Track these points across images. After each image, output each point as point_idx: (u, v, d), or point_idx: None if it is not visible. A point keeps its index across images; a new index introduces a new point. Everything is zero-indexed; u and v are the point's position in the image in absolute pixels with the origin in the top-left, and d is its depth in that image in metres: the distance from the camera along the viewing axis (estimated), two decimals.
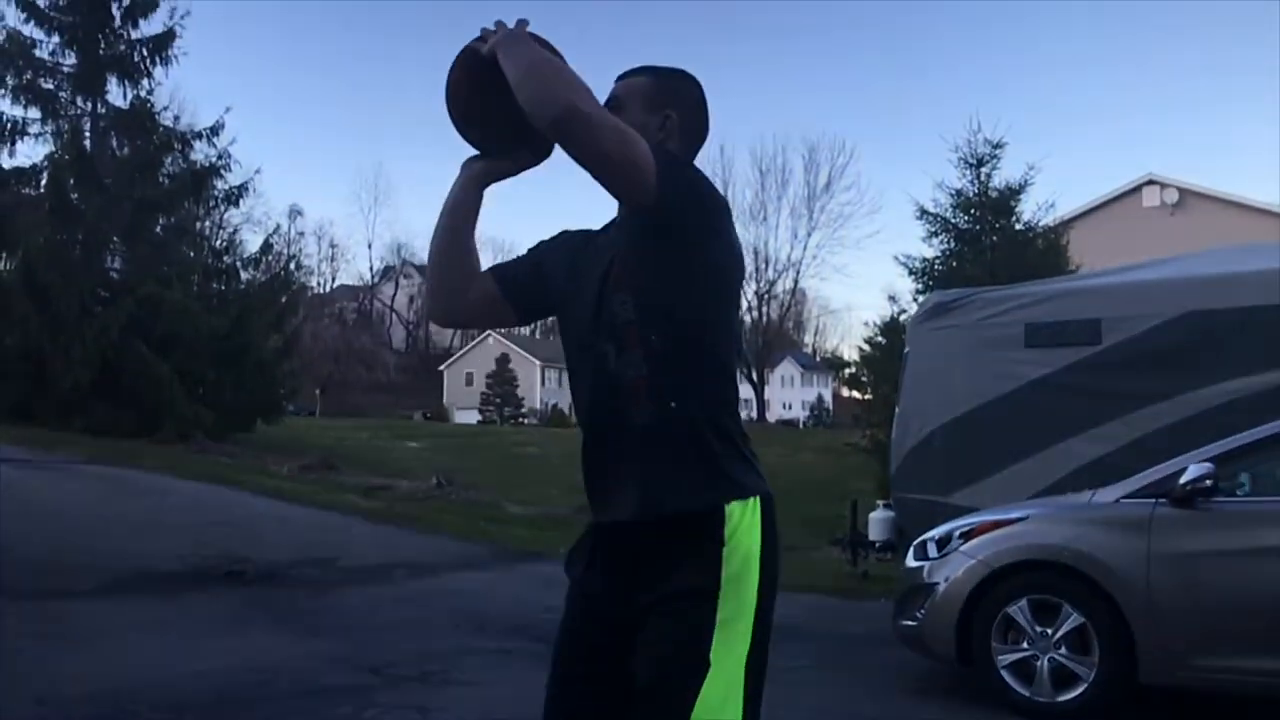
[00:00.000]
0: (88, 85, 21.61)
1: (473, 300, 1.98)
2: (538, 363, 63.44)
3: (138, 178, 21.50)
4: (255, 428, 22.09)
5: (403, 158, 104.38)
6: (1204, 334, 6.99)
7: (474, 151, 1.96)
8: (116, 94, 21.96)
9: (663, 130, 1.87)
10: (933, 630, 5.09)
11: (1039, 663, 4.74)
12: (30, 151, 21.80)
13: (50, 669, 4.88)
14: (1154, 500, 4.69)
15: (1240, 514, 4.75)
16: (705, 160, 1.87)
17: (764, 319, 52.89)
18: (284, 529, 10.33)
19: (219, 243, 26.07)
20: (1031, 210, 15.18)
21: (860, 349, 20.43)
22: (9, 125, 21.24)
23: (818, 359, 70.93)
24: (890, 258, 39.80)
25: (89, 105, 21.94)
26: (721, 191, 1.88)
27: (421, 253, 70.50)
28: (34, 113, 21.53)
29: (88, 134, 21.93)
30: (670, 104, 1.90)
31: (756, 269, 49.80)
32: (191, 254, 23.39)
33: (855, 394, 27.83)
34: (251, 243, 41.19)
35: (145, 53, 21.91)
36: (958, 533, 5.21)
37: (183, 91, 49.60)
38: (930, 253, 15.11)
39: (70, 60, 21.69)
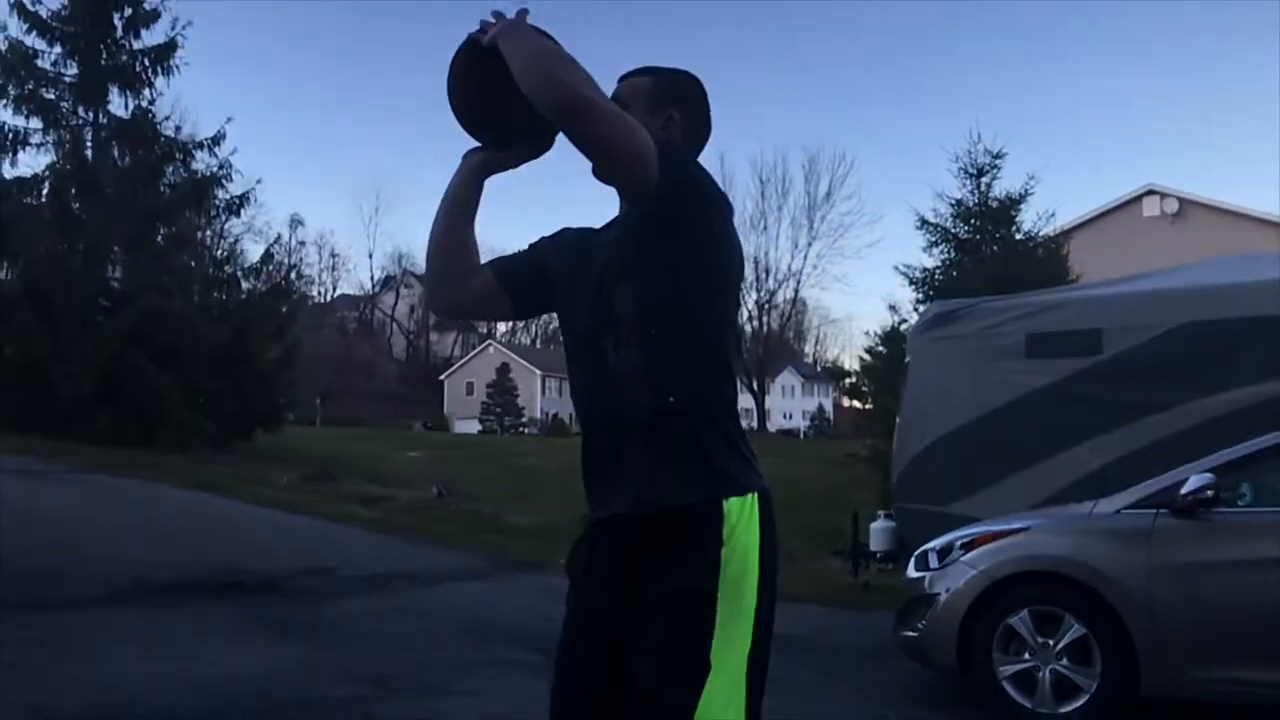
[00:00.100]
0: (89, 95, 21.65)
1: (472, 291, 1.99)
2: (538, 372, 63.45)
3: (139, 188, 21.51)
4: (255, 437, 22.08)
5: (404, 167, 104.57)
6: (1205, 344, 6.99)
7: (475, 143, 1.97)
8: (118, 104, 22.02)
9: (665, 130, 1.88)
10: (934, 641, 5.08)
11: (1041, 674, 4.73)
12: (32, 161, 21.98)
13: (49, 679, 4.86)
14: (1155, 511, 4.69)
15: (1242, 525, 4.74)
16: (705, 168, 1.87)
17: (764, 329, 52.95)
18: (284, 539, 10.31)
19: (220, 252, 26.14)
20: (1032, 220, 15.23)
21: (861, 359, 20.46)
22: (10, 135, 21.26)
23: (818, 369, 70.93)
24: (891, 267, 39.73)
25: (90, 115, 21.97)
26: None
27: (423, 263, 70.53)
28: (35, 123, 21.56)
29: (89, 144, 21.96)
30: (672, 104, 1.92)
31: (757, 279, 49.89)
32: (192, 264, 23.41)
33: (856, 404, 27.82)
34: (252, 252, 41.12)
35: (147, 63, 21.94)
36: (959, 543, 5.20)
37: (184, 102, 49.67)
38: (931, 263, 15.15)
39: (72, 70, 21.73)
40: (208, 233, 25.98)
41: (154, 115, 22.11)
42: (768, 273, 50.43)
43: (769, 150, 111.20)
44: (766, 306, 52.11)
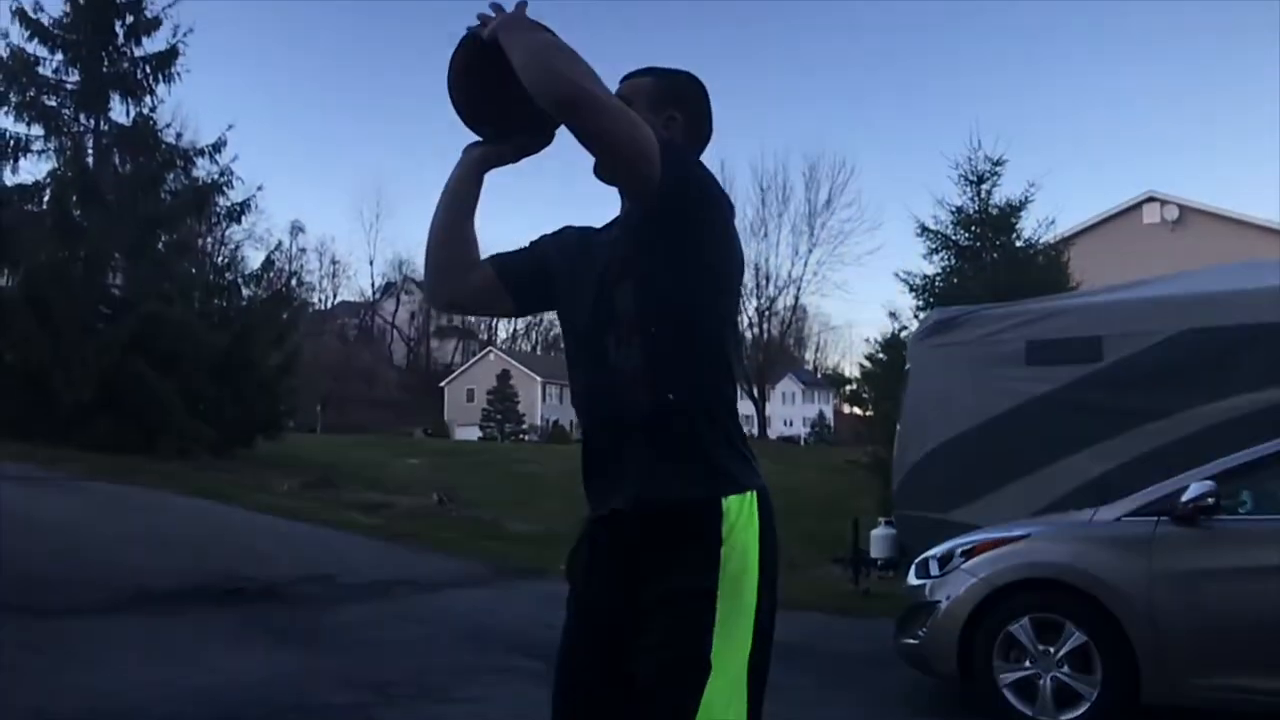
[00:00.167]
0: (91, 102, 21.68)
1: (472, 286, 2.00)
2: (539, 379, 63.44)
3: (140, 195, 21.53)
4: (256, 444, 22.07)
5: (404, 174, 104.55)
6: (1205, 351, 7.00)
7: (475, 137, 1.97)
8: (119, 111, 22.04)
9: (666, 130, 1.88)
10: (935, 648, 5.08)
11: (1041, 681, 4.73)
12: (33, 168, 21.93)
13: (50, 685, 4.86)
14: (1156, 518, 4.69)
15: (1242, 532, 4.74)
16: (708, 167, 1.88)
17: (765, 335, 52.89)
18: (284, 546, 10.30)
19: (221, 259, 26.18)
20: (1032, 227, 15.25)
21: (861, 366, 20.52)
22: (12, 142, 21.28)
23: (819, 375, 70.94)
24: (891, 274, 39.89)
25: (92, 122, 22.00)
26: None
27: (423, 269, 70.58)
28: (37, 130, 21.58)
29: (90, 151, 22.00)
30: (674, 105, 1.93)
31: (757, 285, 49.84)
32: (193, 271, 23.43)
33: (856, 410, 27.88)
34: (253, 259, 41.37)
35: (148, 70, 21.97)
36: (959, 550, 5.21)
37: (185, 108, 49.91)
38: (931, 269, 15.16)
39: (74, 78, 21.76)
40: (208, 240, 26.07)
41: (155, 122, 22.14)
42: (768, 279, 50.41)
43: (769, 157, 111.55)
44: (767, 313, 52.08)
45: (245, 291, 23.66)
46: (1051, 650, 4.73)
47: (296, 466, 19.92)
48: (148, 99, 22.05)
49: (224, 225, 24.72)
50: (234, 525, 11.35)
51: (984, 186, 15.07)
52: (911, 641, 5.24)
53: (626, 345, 1.78)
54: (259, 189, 24.36)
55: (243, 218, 23.93)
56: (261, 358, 22.42)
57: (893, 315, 16.69)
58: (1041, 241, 15.23)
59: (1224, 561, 4.58)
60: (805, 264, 50.67)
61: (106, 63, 21.79)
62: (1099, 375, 7.39)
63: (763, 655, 1.71)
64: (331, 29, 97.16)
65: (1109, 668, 4.57)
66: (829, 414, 68.89)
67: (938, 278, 14.95)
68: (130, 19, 21.93)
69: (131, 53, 22.05)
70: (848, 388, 26.90)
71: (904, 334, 14.67)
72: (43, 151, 21.68)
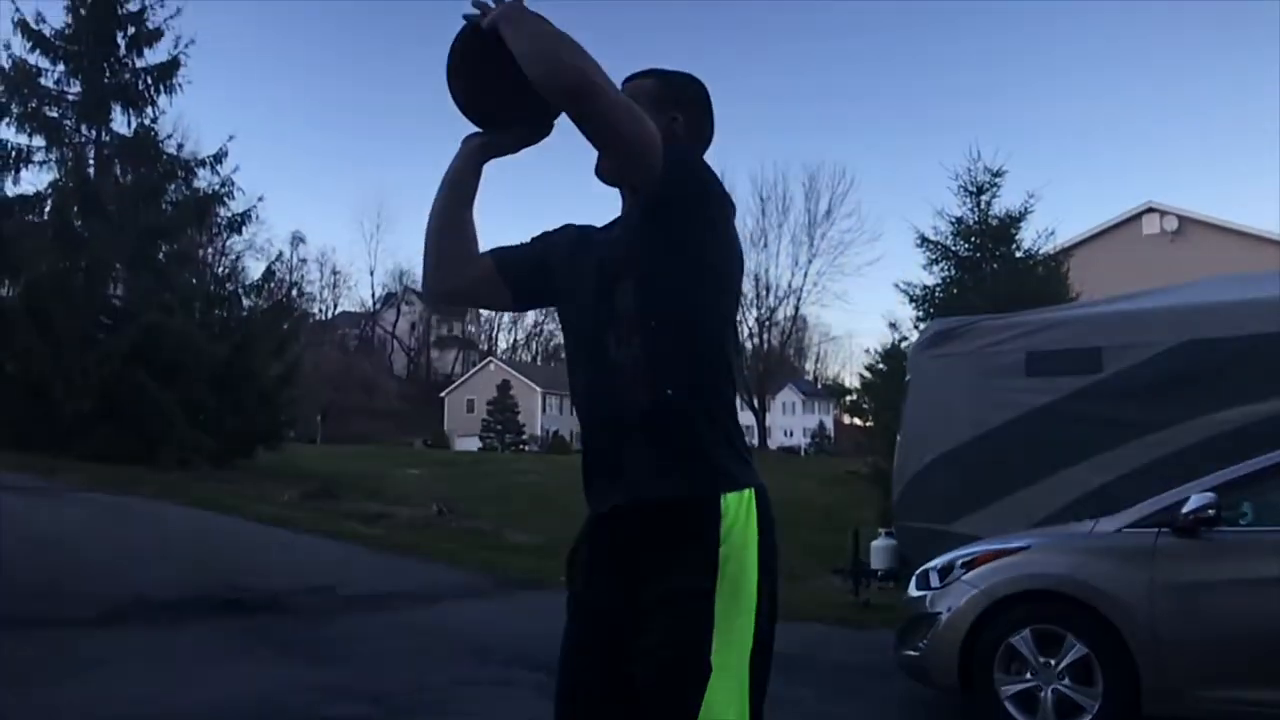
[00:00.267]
0: (92, 113, 21.75)
1: (470, 278, 2.00)
2: (539, 389, 63.43)
3: (141, 205, 21.60)
4: (256, 454, 22.07)
5: (405, 185, 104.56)
6: (1205, 362, 6.99)
7: (473, 128, 1.97)
8: (121, 122, 22.15)
9: (668, 132, 1.88)
10: (935, 660, 5.07)
11: (1043, 693, 4.71)
12: (34, 179, 22.13)
13: (50, 698, 4.85)
14: (1157, 530, 4.68)
15: (1243, 544, 4.73)
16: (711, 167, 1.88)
17: (765, 346, 52.90)
18: (284, 557, 10.30)
19: (221, 270, 26.24)
20: (1032, 238, 15.25)
21: (861, 376, 20.50)
22: (13, 153, 21.35)
23: (819, 386, 70.90)
24: (891, 285, 39.86)
25: (93, 133, 22.07)
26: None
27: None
28: (38, 141, 21.68)
29: (92, 162, 22.07)
30: (676, 106, 1.93)
31: (757, 296, 49.88)
32: (194, 281, 23.47)
33: (857, 421, 27.84)
34: (254, 270, 41.22)
35: (150, 81, 22.07)
36: (960, 562, 5.19)
37: (186, 120, 49.81)
38: (931, 280, 15.16)
39: (75, 89, 21.84)
40: (209, 250, 26.10)
41: (156, 133, 22.24)
42: (768, 290, 50.46)
43: (769, 168, 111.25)
44: (767, 324, 52.11)
45: (246, 302, 23.74)
46: (1053, 662, 4.71)
47: (297, 477, 19.90)
48: (149, 110, 22.19)
49: (225, 236, 24.83)
50: (234, 536, 11.34)
51: (984, 197, 15.10)
52: (912, 653, 5.22)
53: (626, 343, 1.78)
54: (260, 200, 24.52)
55: (243, 228, 24.06)
56: (262, 368, 22.45)
57: (893, 326, 16.70)
58: (1041, 252, 15.25)
59: (1225, 573, 4.57)
60: (805, 274, 50.72)
61: (108, 74, 21.88)
62: (1099, 386, 7.39)
63: (763, 656, 1.71)
64: (333, 40, 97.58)
65: (1110, 679, 4.56)
66: (829, 424, 68.81)
67: (938, 288, 14.96)
68: (132, 30, 22.03)
69: (133, 64, 22.17)
70: (848, 398, 26.85)
71: (904, 345, 14.67)
72: (44, 162, 21.80)
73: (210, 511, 13.05)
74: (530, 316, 76.79)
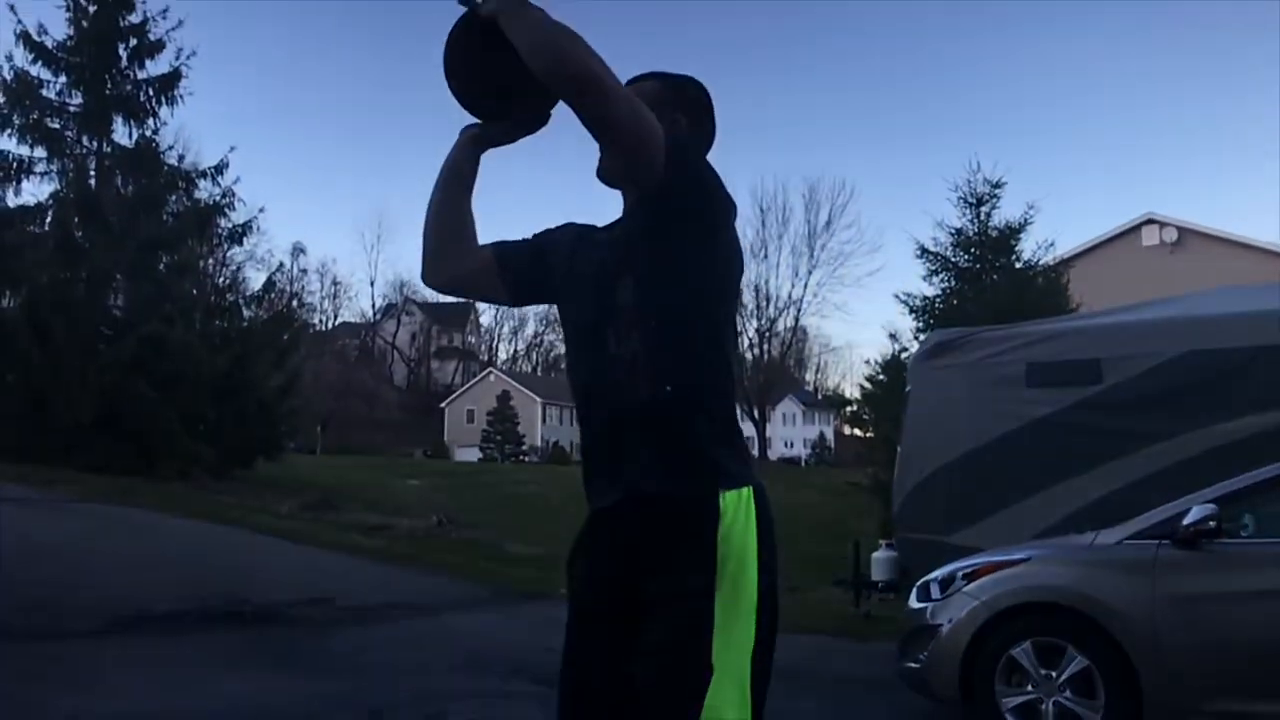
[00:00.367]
0: (94, 125, 21.79)
1: (469, 269, 2.01)
2: (539, 400, 63.41)
3: (142, 216, 21.61)
4: (256, 465, 22.06)
5: (406, 195, 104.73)
6: (1205, 374, 6.98)
7: (472, 119, 1.97)
8: (122, 133, 22.16)
9: (671, 132, 1.88)
10: (936, 672, 5.06)
11: (1044, 706, 4.70)
12: (36, 190, 22.05)
13: (49, 710, 4.84)
14: (1157, 542, 4.68)
15: (1244, 556, 4.73)
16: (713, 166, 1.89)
17: (765, 356, 52.99)
18: (283, 568, 10.28)
19: (222, 281, 26.25)
20: (1031, 249, 15.32)
21: (862, 387, 20.50)
22: (15, 164, 21.37)
23: (819, 397, 70.85)
24: (891, 296, 39.91)
25: (95, 144, 22.10)
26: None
27: (424, 291, 70.58)
28: (40, 152, 21.68)
29: (93, 173, 22.09)
30: (678, 108, 1.94)
31: (758, 307, 50.01)
32: (195, 292, 23.47)
33: (857, 432, 27.83)
34: (254, 280, 41.35)
35: (151, 93, 22.10)
36: (961, 574, 5.19)
37: (188, 130, 49.95)
38: (931, 291, 15.21)
39: (77, 100, 21.87)
40: (210, 261, 26.10)
41: (158, 144, 22.26)
42: (768, 301, 50.60)
43: (769, 179, 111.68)
44: (767, 334, 52.23)
45: (246, 313, 23.74)
46: (1054, 674, 4.70)
47: (296, 488, 19.90)
48: (150, 121, 22.19)
49: (225, 247, 24.82)
50: (234, 547, 11.32)
51: (983, 209, 15.15)
52: (913, 665, 5.21)
53: (626, 339, 1.78)
54: (261, 210, 24.60)
55: (244, 239, 24.08)
56: (262, 379, 22.45)
57: (893, 337, 16.75)
58: (1041, 263, 15.28)
59: (1226, 585, 4.57)
60: (805, 285, 50.87)
61: (110, 85, 21.91)
62: (1099, 397, 7.38)
63: (765, 656, 1.70)
64: (334, 52, 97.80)
65: (1111, 692, 4.55)
66: (830, 435, 68.76)
67: (938, 299, 14.99)
68: (134, 42, 22.08)
69: (135, 75, 22.20)
70: (848, 409, 26.83)
71: (904, 355, 14.69)
72: (45, 173, 21.79)
73: (210, 523, 13.03)
74: (530, 327, 77.01)
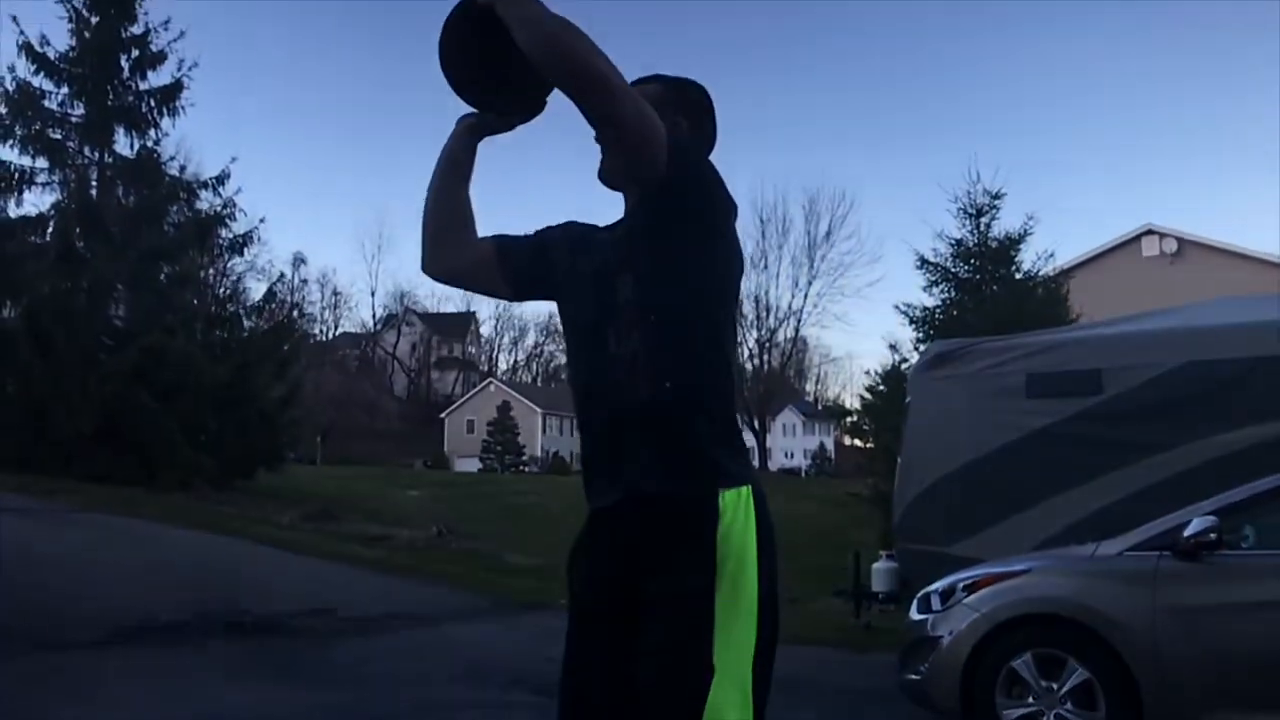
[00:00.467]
0: (95, 135, 21.83)
1: (469, 260, 2.01)
2: (539, 411, 63.38)
3: (143, 227, 21.64)
4: (257, 476, 22.03)
5: (406, 206, 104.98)
6: (1206, 384, 6.99)
7: (469, 109, 1.98)
8: (124, 144, 22.19)
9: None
10: (937, 684, 5.05)
11: (1045, 718, 4.70)
12: (37, 200, 21.98)
13: None
14: (1158, 553, 4.68)
15: (1245, 567, 4.73)
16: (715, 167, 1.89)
17: (765, 367, 52.96)
18: (284, 578, 10.27)
19: (223, 291, 26.32)
20: (1031, 260, 15.32)
21: (862, 397, 20.53)
22: (16, 174, 21.40)
23: (819, 407, 70.84)
24: (891, 306, 39.91)
25: (96, 155, 22.15)
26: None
27: (424, 300, 70.62)
28: (41, 162, 21.71)
29: (94, 183, 22.13)
30: (680, 111, 1.94)
31: (758, 317, 49.98)
32: (195, 302, 23.49)
33: (857, 442, 27.83)
34: (255, 291, 41.43)
35: (153, 104, 22.15)
36: (961, 585, 5.19)
37: (189, 141, 49.95)
38: (931, 302, 15.21)
39: (79, 111, 21.91)
40: (211, 271, 26.15)
41: (159, 155, 22.30)
42: (768, 311, 50.56)
43: (769, 190, 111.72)
44: (767, 345, 52.17)
45: (247, 323, 23.73)
46: (1055, 686, 4.70)
47: (297, 498, 19.88)
48: (152, 132, 22.24)
49: (226, 257, 24.89)
50: (234, 557, 11.32)
51: (983, 219, 15.17)
52: (914, 677, 5.21)
53: (626, 338, 1.79)
54: (261, 221, 24.56)
55: (245, 249, 24.09)
56: (263, 389, 22.43)
57: (893, 347, 16.76)
58: (1041, 274, 15.30)
59: (1227, 597, 4.57)
60: (805, 296, 50.81)
61: (111, 96, 21.96)
62: (1099, 408, 7.39)
63: (766, 657, 1.70)
64: (335, 62, 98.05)
65: (1112, 704, 4.55)
66: (830, 446, 68.74)
67: (938, 310, 15.00)
68: (136, 53, 22.14)
69: (136, 86, 22.24)
70: (848, 419, 26.85)
71: (904, 366, 14.70)
72: (47, 184, 21.83)
73: (211, 533, 13.02)
74: (531, 337, 77.00)
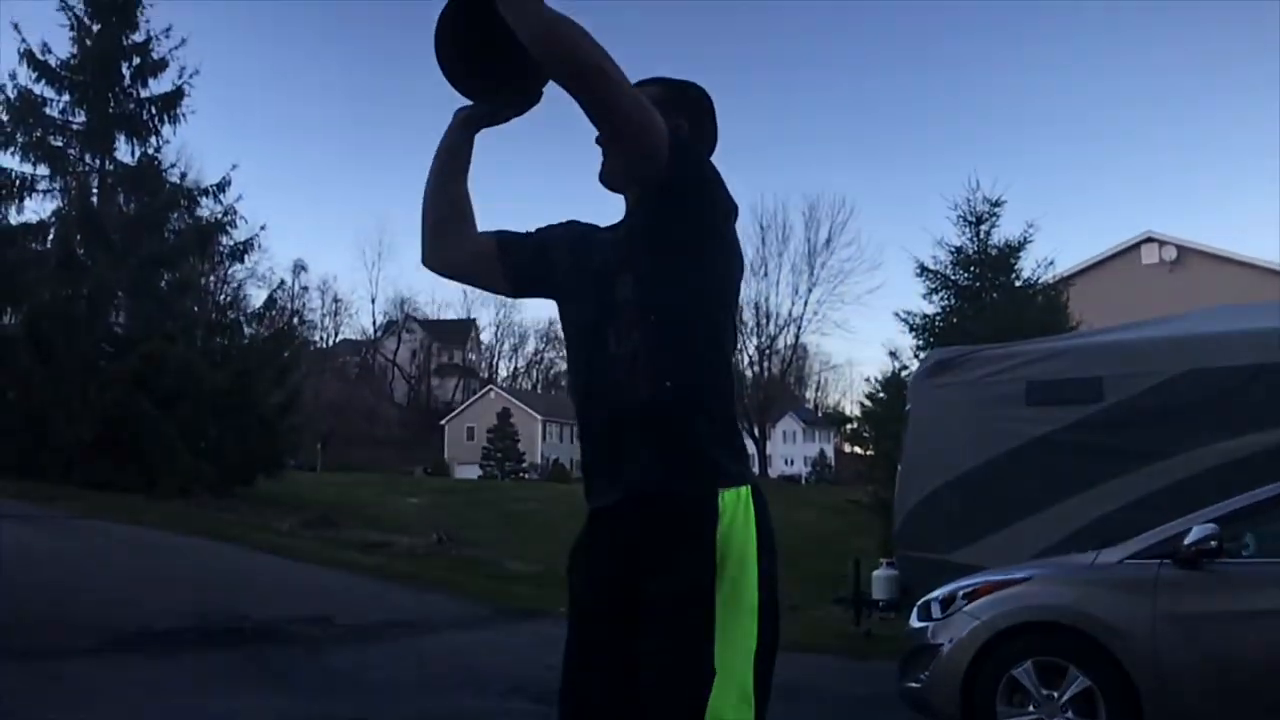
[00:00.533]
0: (97, 143, 21.89)
1: (469, 253, 2.01)
2: (539, 417, 63.37)
3: (144, 234, 21.69)
4: (256, 482, 22.04)
5: (407, 213, 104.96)
6: (1206, 392, 6.99)
7: (466, 101, 1.98)
8: (125, 151, 22.29)
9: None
10: (937, 692, 5.04)
11: None
12: (38, 207, 22.07)
13: None
14: (1159, 561, 4.67)
15: (1246, 575, 4.73)
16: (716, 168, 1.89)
17: (765, 374, 52.89)
18: (283, 585, 10.26)
19: (223, 298, 26.32)
20: (1031, 267, 15.35)
21: (862, 405, 20.54)
22: (18, 182, 21.46)
23: (819, 414, 70.76)
24: (891, 314, 39.92)
25: (97, 162, 22.21)
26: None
27: (424, 307, 70.64)
28: (43, 169, 21.80)
29: (95, 190, 22.18)
30: (681, 113, 1.94)
31: (758, 324, 49.91)
32: (196, 309, 23.53)
33: (857, 450, 27.83)
34: (256, 298, 41.41)
35: (154, 111, 22.22)
36: (962, 593, 5.18)
37: (190, 148, 49.87)
38: (931, 309, 15.23)
39: (80, 118, 21.98)
40: (211, 278, 26.15)
41: (160, 162, 22.38)
42: (768, 318, 50.49)
43: (769, 197, 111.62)
44: (767, 352, 52.10)
45: (247, 330, 23.79)
46: (1055, 694, 4.69)
47: (297, 505, 19.87)
48: (153, 139, 22.34)
49: (227, 264, 24.92)
50: (234, 564, 11.30)
51: (983, 227, 15.19)
52: (914, 685, 5.20)
53: (626, 337, 1.79)
54: (262, 228, 24.59)
55: (246, 256, 24.16)
56: (263, 396, 22.46)
57: (893, 354, 16.76)
58: (1041, 282, 15.31)
59: (1227, 605, 4.56)
60: (805, 303, 50.74)
61: (113, 103, 22.03)
62: (1099, 416, 7.39)
63: (767, 658, 1.69)
64: (335, 70, 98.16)
65: (1113, 712, 4.53)
66: (830, 453, 68.63)
67: (938, 317, 15.01)
68: (137, 61, 22.22)
69: (138, 94, 22.33)
70: (848, 427, 26.85)
71: (904, 373, 14.71)
72: (48, 191, 21.91)
73: (211, 540, 13.01)
74: (531, 344, 77.00)
